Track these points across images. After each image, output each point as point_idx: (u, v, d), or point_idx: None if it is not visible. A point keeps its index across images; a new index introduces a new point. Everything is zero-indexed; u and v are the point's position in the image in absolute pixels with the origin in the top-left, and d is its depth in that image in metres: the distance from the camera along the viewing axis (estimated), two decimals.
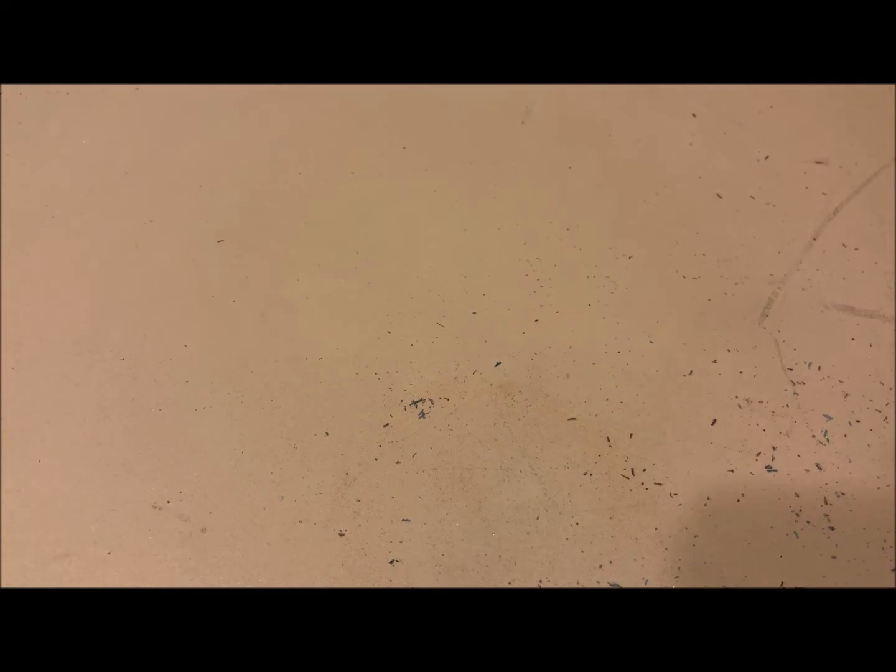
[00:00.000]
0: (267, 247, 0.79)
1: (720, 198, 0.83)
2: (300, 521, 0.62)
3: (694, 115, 0.92)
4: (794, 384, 0.69)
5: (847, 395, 0.68)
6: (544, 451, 0.65)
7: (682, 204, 0.83)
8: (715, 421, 0.67)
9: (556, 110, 0.92)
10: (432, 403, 0.68)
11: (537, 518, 0.62)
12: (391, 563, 0.60)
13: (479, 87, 0.94)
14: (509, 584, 0.59)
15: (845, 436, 0.66)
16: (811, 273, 0.77)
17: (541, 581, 0.59)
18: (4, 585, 0.59)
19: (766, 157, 0.87)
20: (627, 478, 0.64)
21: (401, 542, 0.61)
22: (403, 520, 0.62)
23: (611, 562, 0.60)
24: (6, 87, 0.96)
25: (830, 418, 0.67)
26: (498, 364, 0.70)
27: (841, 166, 0.86)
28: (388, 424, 0.67)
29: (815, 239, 0.80)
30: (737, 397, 0.68)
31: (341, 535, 0.61)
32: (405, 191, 0.84)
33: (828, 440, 0.66)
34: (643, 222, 0.81)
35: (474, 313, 0.74)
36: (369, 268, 0.77)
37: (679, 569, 0.59)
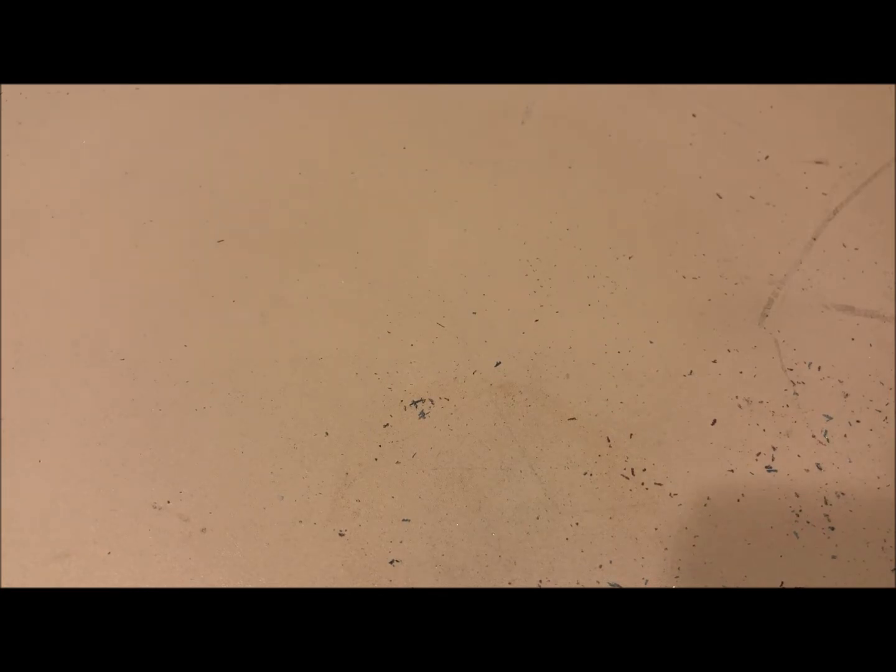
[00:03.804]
0: (267, 247, 0.79)
1: (720, 198, 0.83)
2: (300, 521, 0.62)
3: (694, 115, 0.92)
4: (794, 384, 0.69)
5: (847, 395, 0.68)
6: (544, 451, 0.65)
7: (682, 204, 0.83)
8: (715, 421, 0.67)
9: (556, 110, 0.93)
10: (432, 403, 0.68)
11: (537, 518, 0.62)
12: (391, 563, 0.60)
13: (479, 87, 0.94)
14: (509, 584, 0.59)
15: (845, 436, 0.66)
16: (811, 273, 0.77)
17: (541, 581, 0.59)
18: (4, 585, 0.59)
19: (767, 157, 0.87)
20: (627, 478, 0.64)
21: (401, 542, 0.61)
22: (403, 520, 0.62)
23: (611, 562, 0.60)
24: (6, 87, 0.96)
25: (830, 418, 0.67)
26: (498, 364, 0.70)
27: (841, 166, 0.86)
28: (388, 424, 0.67)
29: (815, 239, 0.80)
30: (737, 397, 0.68)
31: (341, 535, 0.61)
32: (405, 191, 0.84)
33: (828, 440, 0.66)
34: (643, 222, 0.81)
35: (474, 313, 0.74)
36: (369, 268, 0.77)
37: (679, 569, 0.59)
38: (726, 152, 0.88)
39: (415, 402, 0.68)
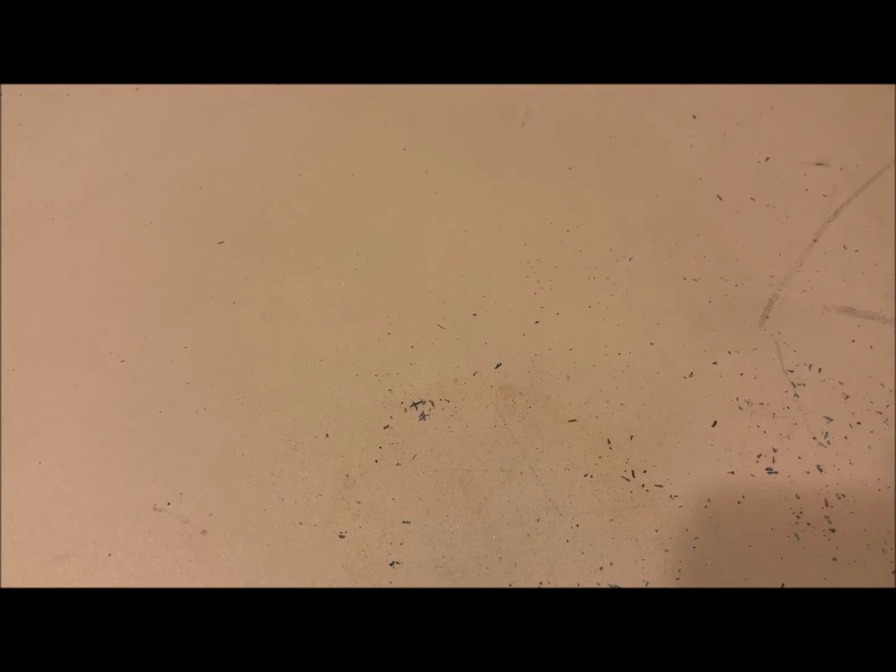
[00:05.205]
0: (267, 248, 0.79)
1: (720, 199, 0.83)
2: (300, 523, 0.62)
3: (694, 117, 0.92)
4: (794, 386, 0.69)
5: (847, 396, 0.68)
6: (545, 453, 0.65)
7: (682, 205, 0.83)
8: (715, 423, 0.67)
9: (557, 111, 0.92)
10: (432, 405, 0.68)
11: (538, 520, 0.62)
12: (391, 565, 0.60)
13: (479, 87, 0.94)
14: (510, 585, 0.59)
15: (846, 437, 0.66)
16: (811, 275, 0.77)
17: (541, 583, 0.59)
18: (4, 585, 0.59)
19: (767, 159, 0.87)
20: (628, 479, 0.64)
21: (401, 543, 0.61)
22: (404, 521, 0.62)
23: (611, 563, 0.60)
24: (6, 87, 0.96)
25: (831, 420, 0.67)
26: (498, 366, 0.70)
27: (841, 168, 0.86)
28: (388, 426, 0.67)
29: (815, 241, 0.80)
30: (737, 399, 0.68)
31: (341, 536, 0.61)
32: (405, 192, 0.84)
33: (828, 442, 0.66)
34: (643, 223, 0.81)
35: (475, 315, 0.74)
36: (369, 269, 0.77)
37: (680, 570, 0.59)
38: (726, 154, 0.88)
39: (415, 404, 0.68)
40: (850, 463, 0.65)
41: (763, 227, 0.81)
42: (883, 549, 0.60)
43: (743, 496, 0.63)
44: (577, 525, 0.61)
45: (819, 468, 0.64)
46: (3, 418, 0.67)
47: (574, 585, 0.59)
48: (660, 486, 0.63)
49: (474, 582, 0.59)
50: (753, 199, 0.83)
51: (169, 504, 0.63)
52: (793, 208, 0.82)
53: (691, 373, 0.70)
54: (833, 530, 0.61)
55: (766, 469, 0.64)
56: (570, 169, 0.87)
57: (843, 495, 0.63)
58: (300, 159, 0.87)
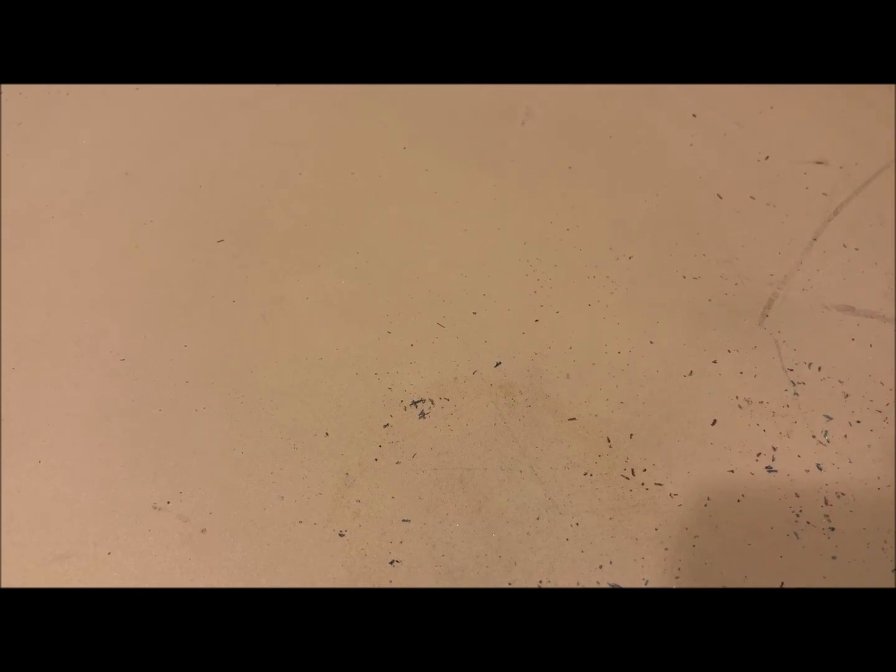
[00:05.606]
0: (267, 247, 0.79)
1: (720, 198, 0.83)
2: (300, 522, 0.62)
3: (694, 116, 0.92)
4: (794, 384, 0.69)
5: (847, 395, 0.68)
6: (544, 452, 0.65)
7: (682, 204, 0.83)
8: (715, 421, 0.67)
9: (556, 111, 0.93)
10: (432, 404, 0.68)
11: (537, 518, 0.62)
12: (391, 563, 0.60)
13: (479, 87, 0.94)
14: (509, 584, 0.59)
15: (845, 436, 0.66)
16: (811, 273, 0.77)
17: (541, 581, 0.59)
18: (4, 585, 0.59)
19: (767, 158, 0.87)
20: (628, 478, 0.64)
21: (401, 542, 0.61)
22: (403, 520, 0.62)
23: (611, 562, 0.60)
24: (6, 87, 0.96)
25: (831, 419, 0.67)
26: (498, 364, 0.70)
27: (841, 167, 0.86)
28: (388, 425, 0.67)
29: (815, 239, 0.80)
30: (737, 398, 0.68)
31: (341, 535, 0.61)
32: (405, 191, 0.84)
33: (828, 440, 0.66)
34: (643, 223, 0.81)
35: (474, 313, 0.74)
36: (369, 268, 0.77)
37: (679, 569, 0.59)
38: (726, 153, 0.88)
39: (415, 403, 0.68)
40: (850, 461, 0.65)
41: (763, 226, 0.81)
42: (882, 548, 0.60)
43: (742, 495, 0.63)
44: (577, 524, 0.61)
45: (819, 467, 0.64)
46: (3, 418, 0.67)
47: (574, 584, 0.59)
48: (659, 484, 0.63)
49: (474, 581, 0.59)
50: (753, 199, 0.83)
51: (169, 503, 0.63)
52: (792, 207, 0.82)
53: (691, 371, 0.70)
54: (833, 529, 0.61)
55: (766, 468, 0.64)
56: (570, 169, 0.87)
57: (843, 494, 0.63)
58: (300, 159, 0.87)
